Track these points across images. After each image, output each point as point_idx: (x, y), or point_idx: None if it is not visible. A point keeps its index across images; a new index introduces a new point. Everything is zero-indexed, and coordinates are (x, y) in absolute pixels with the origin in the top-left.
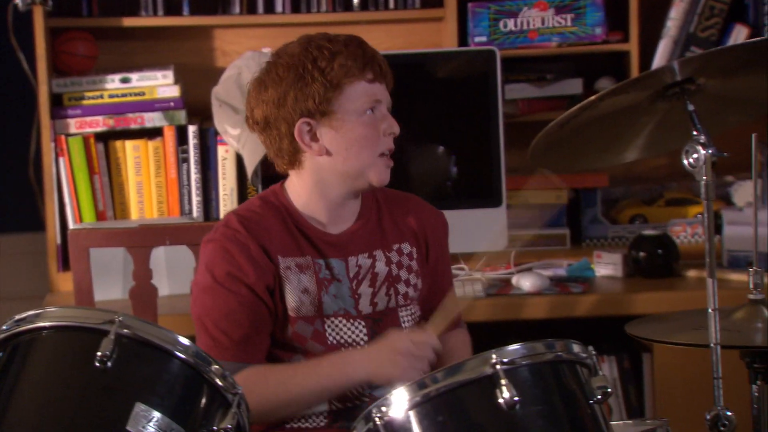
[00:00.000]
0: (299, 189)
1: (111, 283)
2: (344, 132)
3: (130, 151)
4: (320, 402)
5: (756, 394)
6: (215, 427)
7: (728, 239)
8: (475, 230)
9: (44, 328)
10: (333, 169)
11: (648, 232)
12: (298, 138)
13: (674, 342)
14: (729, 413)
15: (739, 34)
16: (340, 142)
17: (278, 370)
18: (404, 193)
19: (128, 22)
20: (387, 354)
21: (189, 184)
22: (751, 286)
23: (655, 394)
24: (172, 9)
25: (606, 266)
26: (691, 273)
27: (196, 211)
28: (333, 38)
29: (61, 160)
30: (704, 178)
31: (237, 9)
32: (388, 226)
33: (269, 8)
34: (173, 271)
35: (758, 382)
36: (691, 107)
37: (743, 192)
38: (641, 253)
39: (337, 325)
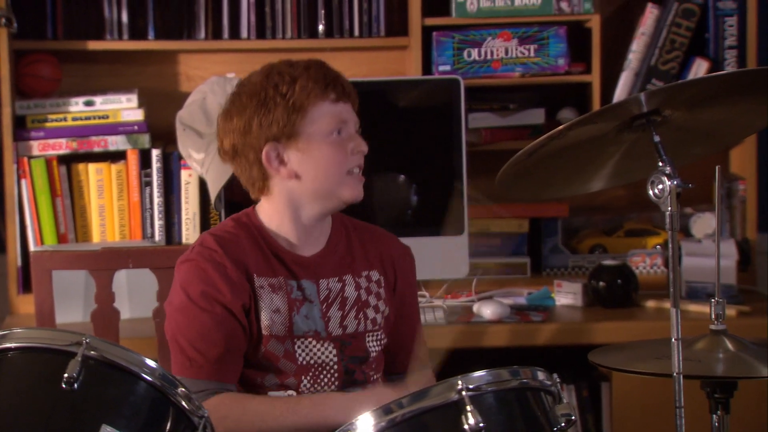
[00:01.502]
0: (271, 213)
1: (72, 306)
2: (311, 153)
3: (92, 174)
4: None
5: (716, 424)
6: None
7: (687, 270)
8: (436, 258)
9: (10, 349)
10: (304, 190)
11: (608, 262)
12: (266, 163)
13: (637, 371)
14: None
15: (700, 68)
16: (308, 163)
17: (257, 400)
18: (372, 225)
19: (93, 45)
20: (369, 405)
21: (152, 208)
22: (713, 316)
23: (613, 424)
24: (137, 33)
25: (566, 295)
26: (650, 303)
27: (158, 234)
28: (294, 63)
29: (23, 182)
30: (669, 208)
31: (202, 34)
32: (357, 253)
33: (234, 34)
34: (135, 295)
35: (718, 413)
36: (657, 138)
37: (702, 224)
38: (601, 283)
39: (307, 346)
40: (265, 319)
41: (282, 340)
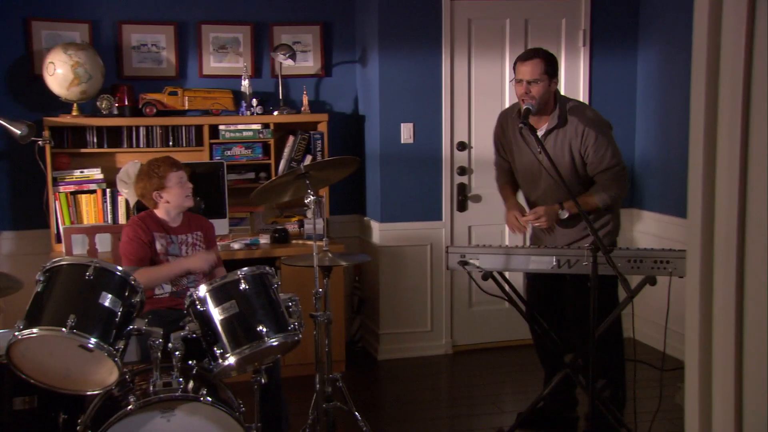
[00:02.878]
0: (160, 213)
1: (78, 248)
2: (171, 192)
3: (85, 198)
4: (170, 279)
5: (321, 290)
6: (132, 301)
7: (307, 229)
8: (219, 226)
9: (64, 263)
10: (171, 206)
11: (278, 227)
12: (155, 199)
13: (298, 265)
14: (321, 290)
15: (308, 159)
16: (171, 196)
17: (153, 267)
18: (196, 215)
19: (83, 150)
20: (195, 258)
21: (106, 211)
22: (321, 245)
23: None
24: (100, 144)
25: (264, 238)
26: (299, 242)
27: (110, 221)
28: (158, 159)
29: (56, 202)
30: (312, 207)
31: (125, 145)
32: (192, 225)
33: (138, 144)
34: (102, 243)
35: (326, 281)
36: (308, 182)
37: (310, 213)
38: (276, 234)
39: (175, 259)
40: (159, 248)
41: (166, 255)
